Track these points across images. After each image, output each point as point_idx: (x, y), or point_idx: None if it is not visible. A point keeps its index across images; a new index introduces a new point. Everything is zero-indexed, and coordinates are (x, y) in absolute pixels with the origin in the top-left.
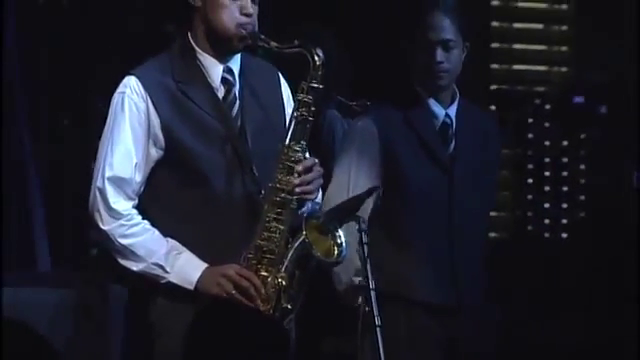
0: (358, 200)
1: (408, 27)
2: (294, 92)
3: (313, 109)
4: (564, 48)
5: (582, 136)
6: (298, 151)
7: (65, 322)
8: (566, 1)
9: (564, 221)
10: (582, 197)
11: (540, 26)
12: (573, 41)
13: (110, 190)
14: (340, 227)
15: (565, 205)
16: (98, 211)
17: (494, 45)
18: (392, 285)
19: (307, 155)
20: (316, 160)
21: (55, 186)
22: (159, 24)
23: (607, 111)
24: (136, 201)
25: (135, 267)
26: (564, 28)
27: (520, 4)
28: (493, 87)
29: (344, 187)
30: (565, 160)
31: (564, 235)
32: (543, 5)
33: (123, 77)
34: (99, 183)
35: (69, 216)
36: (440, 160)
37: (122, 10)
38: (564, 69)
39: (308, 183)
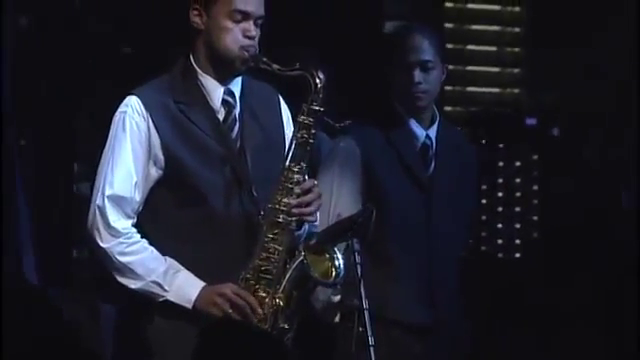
0: (350, 221)
1: (388, 48)
2: (294, 114)
3: (313, 131)
4: (516, 70)
5: (535, 157)
6: (298, 172)
7: None
8: (518, 24)
9: (517, 241)
10: (535, 217)
11: (493, 48)
12: (525, 63)
13: (110, 208)
14: (334, 247)
15: (518, 225)
16: (97, 229)
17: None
18: (371, 303)
19: (306, 177)
20: (315, 182)
21: (42, 204)
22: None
23: (559, 133)
24: (135, 220)
25: (133, 285)
26: (516, 50)
27: (473, 27)
28: (447, 108)
29: (326, 206)
30: (518, 181)
31: (517, 255)
32: (496, 27)
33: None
34: (99, 201)
35: (56, 235)
36: (420, 181)
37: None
38: (516, 91)
39: (307, 205)
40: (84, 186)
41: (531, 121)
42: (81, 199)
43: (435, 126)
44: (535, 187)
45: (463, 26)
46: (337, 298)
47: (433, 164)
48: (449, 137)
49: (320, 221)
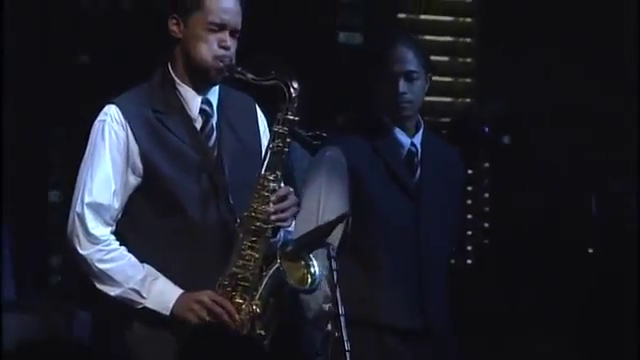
0: (328, 227)
1: (373, 59)
2: (270, 123)
3: (288, 140)
4: (468, 80)
5: (486, 165)
6: (273, 181)
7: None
8: (470, 35)
9: (469, 248)
10: (486, 224)
11: (445, 58)
12: (477, 73)
13: (89, 216)
14: (310, 254)
15: (470, 232)
16: (77, 236)
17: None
18: (362, 310)
19: (282, 184)
20: (290, 189)
21: (19, 213)
22: None
23: (510, 141)
24: (114, 227)
25: (112, 292)
26: (468, 60)
27: (427, 37)
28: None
29: (313, 215)
30: (470, 188)
31: (469, 261)
32: (449, 38)
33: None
34: (78, 208)
35: (33, 243)
36: (407, 188)
37: None
38: (468, 100)
39: (283, 211)
40: (55, 194)
41: (483, 130)
42: (54, 207)
43: (420, 134)
44: (486, 195)
45: (416, 36)
46: (328, 306)
47: (419, 171)
48: (433, 144)
49: (306, 230)
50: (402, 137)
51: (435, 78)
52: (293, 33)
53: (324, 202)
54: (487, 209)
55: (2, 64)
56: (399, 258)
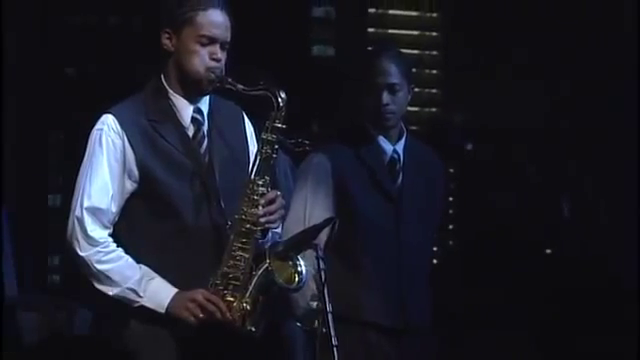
0: (315, 230)
1: (358, 71)
2: (258, 131)
3: (276, 147)
4: (434, 90)
5: (451, 170)
6: (262, 185)
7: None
8: (437, 47)
9: (435, 249)
10: (451, 226)
11: (413, 70)
12: (442, 83)
13: (88, 219)
14: (299, 255)
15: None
16: (76, 238)
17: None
18: (346, 308)
19: (270, 189)
20: (278, 193)
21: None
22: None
23: (472, 147)
24: (111, 230)
25: (110, 291)
26: (434, 72)
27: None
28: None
29: (301, 218)
30: None
31: (435, 261)
32: (415, 51)
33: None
34: (77, 212)
35: (33, 244)
36: (389, 193)
37: None
38: (434, 109)
39: (271, 214)
40: (56, 197)
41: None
42: (54, 209)
43: (402, 141)
44: (450, 198)
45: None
46: (315, 304)
47: (400, 177)
48: (416, 152)
49: (294, 232)
50: (385, 144)
51: None
52: (268, 46)
53: (311, 205)
54: (451, 212)
55: (3, 66)
56: (381, 259)
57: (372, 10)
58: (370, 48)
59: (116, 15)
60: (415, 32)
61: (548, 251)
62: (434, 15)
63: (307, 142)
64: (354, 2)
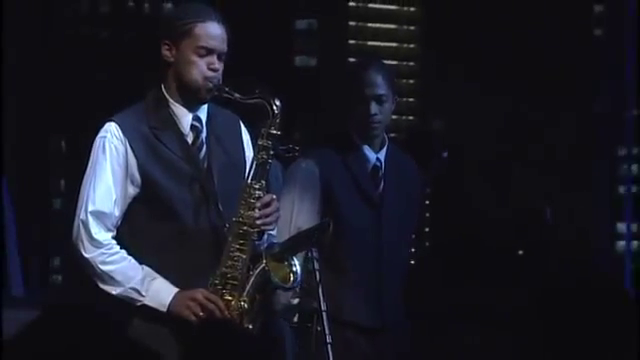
0: (311, 232)
1: (346, 83)
2: (254, 137)
3: (272, 153)
4: (411, 99)
5: (427, 176)
6: (258, 189)
7: None
8: (414, 59)
9: (412, 250)
10: (427, 229)
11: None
12: (419, 93)
13: (92, 222)
14: (294, 256)
15: (413, 235)
16: (81, 241)
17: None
18: (328, 307)
19: (265, 192)
20: (274, 196)
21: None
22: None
23: (447, 155)
24: (115, 232)
25: (114, 291)
26: (411, 81)
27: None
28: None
29: (287, 220)
30: None
31: (412, 262)
32: (393, 62)
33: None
34: (82, 216)
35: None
36: (371, 198)
37: None
38: (411, 118)
39: (267, 216)
40: (58, 202)
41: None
42: (57, 213)
43: (384, 150)
44: (427, 202)
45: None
46: (296, 301)
47: (382, 184)
48: (396, 160)
49: (282, 233)
50: (369, 153)
51: None
52: (253, 57)
53: (297, 208)
54: (427, 215)
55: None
56: (362, 261)
57: (352, 4)
58: (353, 60)
59: (116, 25)
60: (393, 44)
61: (520, 252)
62: (411, 28)
63: (297, 148)
64: (336, 15)
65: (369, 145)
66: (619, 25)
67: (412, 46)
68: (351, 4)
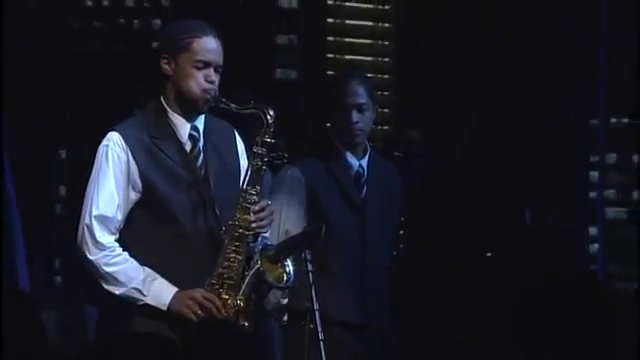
0: (304, 235)
1: (329, 93)
2: (249, 145)
3: (266, 160)
4: (386, 110)
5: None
6: (253, 194)
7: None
8: (388, 72)
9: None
10: (402, 232)
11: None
12: (394, 104)
13: (96, 226)
14: (288, 258)
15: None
16: (86, 244)
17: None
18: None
19: (260, 197)
20: (268, 202)
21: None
22: None
23: (423, 163)
24: (117, 235)
25: (117, 291)
26: (386, 93)
27: None
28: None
29: (276, 225)
30: None
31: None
32: (369, 74)
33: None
34: (87, 220)
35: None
36: (354, 203)
37: None
38: (386, 127)
39: (262, 220)
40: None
41: (398, 153)
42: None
43: (367, 157)
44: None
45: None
46: (285, 301)
47: (365, 189)
48: (378, 166)
49: (271, 236)
50: (351, 159)
51: None
52: (237, 70)
53: (285, 212)
54: (402, 219)
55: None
56: (346, 262)
57: (330, 20)
58: (331, 72)
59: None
60: (368, 57)
61: (488, 254)
62: (386, 43)
63: (286, 155)
64: (315, 30)
65: (352, 152)
66: (592, 29)
67: (386, 59)
68: (329, 20)
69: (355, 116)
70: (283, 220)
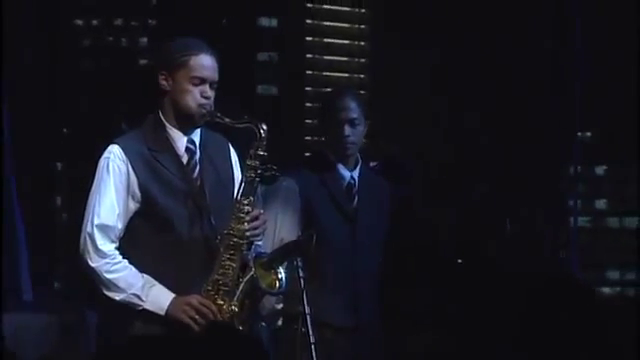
0: (296, 244)
1: (323, 108)
2: (243, 158)
3: (259, 172)
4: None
5: None
6: (247, 204)
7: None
8: (364, 88)
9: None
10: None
11: None
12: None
13: (98, 235)
14: (282, 265)
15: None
16: (88, 251)
17: (307, 121)
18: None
19: (254, 207)
20: (261, 211)
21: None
22: None
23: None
24: (118, 243)
25: (117, 297)
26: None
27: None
28: (307, 154)
29: (272, 233)
30: None
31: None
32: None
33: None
34: (89, 229)
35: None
36: (346, 212)
37: None
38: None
39: (255, 229)
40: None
41: (374, 164)
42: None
43: (358, 168)
44: None
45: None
46: (280, 306)
47: (356, 199)
48: (368, 177)
49: (266, 244)
50: (343, 171)
51: None
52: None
53: (280, 221)
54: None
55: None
56: (339, 268)
57: (309, 39)
58: (310, 88)
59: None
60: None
61: (459, 261)
62: (362, 61)
63: (275, 167)
64: (294, 48)
65: (344, 164)
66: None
67: (362, 76)
68: (308, 39)
69: (347, 130)
70: (278, 229)
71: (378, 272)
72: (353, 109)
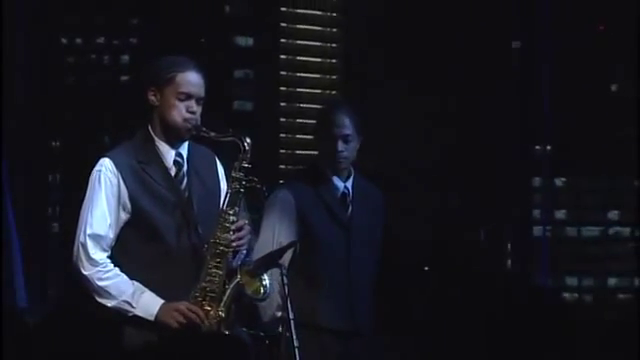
0: (280, 251)
1: (318, 123)
2: (228, 170)
3: (244, 183)
4: None
5: None
6: (232, 215)
7: None
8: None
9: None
10: None
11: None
12: None
13: (90, 244)
14: (266, 272)
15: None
16: (80, 260)
17: (282, 135)
18: (304, 315)
19: (239, 217)
20: (246, 221)
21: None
22: None
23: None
24: (109, 252)
25: (109, 303)
26: None
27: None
28: (282, 167)
29: (269, 242)
30: None
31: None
32: (316, 106)
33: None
34: (81, 238)
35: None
36: (341, 221)
37: None
38: None
39: (240, 239)
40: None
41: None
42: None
43: (351, 179)
44: None
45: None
46: (279, 313)
47: (350, 208)
48: (362, 187)
49: (265, 251)
50: (338, 182)
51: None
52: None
53: (277, 231)
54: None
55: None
56: (334, 274)
57: (283, 57)
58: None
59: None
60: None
61: (426, 268)
62: (333, 61)
63: (256, 179)
64: (269, 66)
65: (337, 175)
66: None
67: (334, 92)
68: (282, 57)
69: (341, 146)
70: (276, 236)
71: (373, 278)
72: (347, 125)
